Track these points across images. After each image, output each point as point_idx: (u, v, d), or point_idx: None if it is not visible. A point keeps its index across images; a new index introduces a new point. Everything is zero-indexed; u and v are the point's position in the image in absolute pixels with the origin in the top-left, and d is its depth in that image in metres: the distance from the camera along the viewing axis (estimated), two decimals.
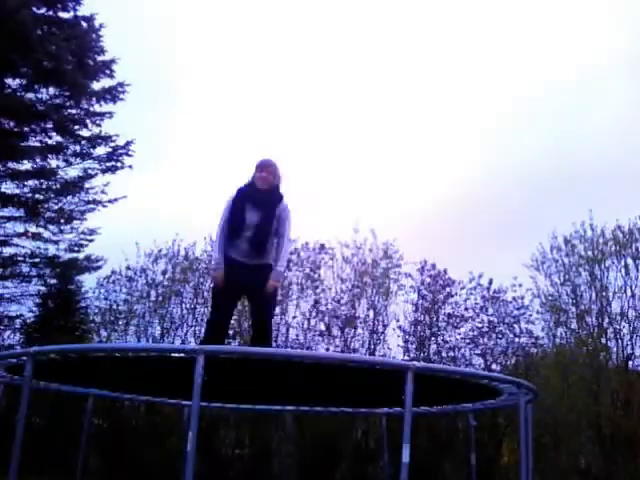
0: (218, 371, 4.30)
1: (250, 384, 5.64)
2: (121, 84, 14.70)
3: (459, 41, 22.44)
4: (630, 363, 13.39)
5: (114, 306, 15.68)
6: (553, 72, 21.25)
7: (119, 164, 15.05)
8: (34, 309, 14.27)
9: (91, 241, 15.30)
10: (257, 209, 5.29)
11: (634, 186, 17.23)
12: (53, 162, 14.89)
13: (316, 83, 22.99)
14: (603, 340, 13.50)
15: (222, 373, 4.57)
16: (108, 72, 14.63)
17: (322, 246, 15.26)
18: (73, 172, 15.07)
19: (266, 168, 5.43)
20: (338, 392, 5.87)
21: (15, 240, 14.88)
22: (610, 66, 20.84)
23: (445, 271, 14.15)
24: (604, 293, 13.57)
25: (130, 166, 15.08)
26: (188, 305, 15.63)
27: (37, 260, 14.94)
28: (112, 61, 14.63)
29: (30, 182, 14.87)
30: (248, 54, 23.83)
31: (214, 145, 24.47)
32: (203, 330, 6.12)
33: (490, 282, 14.23)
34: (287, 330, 15.02)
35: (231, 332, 15.31)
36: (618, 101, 20.85)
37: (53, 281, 14.63)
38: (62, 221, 15.05)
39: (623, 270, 13.59)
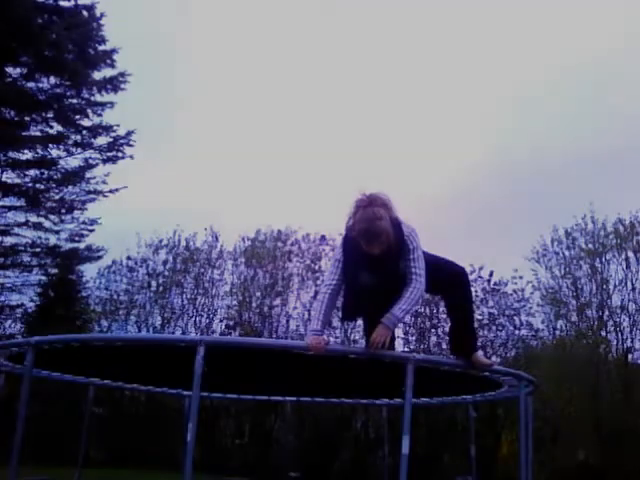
0: (219, 362, 4.31)
1: (251, 375, 5.66)
2: (122, 74, 14.65)
3: (462, 32, 22.36)
4: (630, 356, 13.43)
5: (115, 296, 15.73)
6: (559, 61, 21.16)
7: (120, 154, 15.04)
8: (35, 298, 14.31)
9: (92, 231, 15.32)
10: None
11: (635, 179, 17.21)
12: (54, 152, 14.89)
13: (319, 70, 22.94)
14: (603, 333, 13.53)
15: (223, 364, 4.58)
16: (109, 62, 14.58)
17: (323, 237, 15.27)
18: (74, 162, 15.08)
19: (376, 239, 3.74)
20: (338, 383, 5.89)
21: (16, 230, 14.90)
22: (618, 56, 20.78)
23: None
24: (604, 286, 13.58)
25: (131, 156, 15.08)
26: (189, 295, 15.67)
27: (38, 250, 14.96)
28: (113, 50, 14.58)
29: (31, 172, 14.88)
30: (250, 47, 23.75)
31: (216, 135, 24.44)
32: None
33: (491, 274, 14.24)
34: (287, 321, 15.06)
35: (232, 322, 15.37)
36: (618, 97, 20.79)
37: (54, 270, 14.65)
38: (63, 211, 15.06)
39: (624, 263, 13.61)
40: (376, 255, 3.76)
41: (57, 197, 15.10)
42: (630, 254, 13.61)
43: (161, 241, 15.97)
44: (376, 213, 3.73)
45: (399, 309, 3.79)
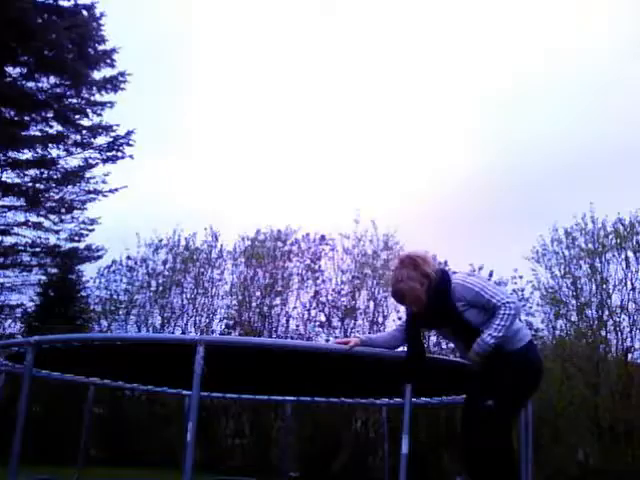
0: (219, 362, 4.32)
1: (251, 375, 5.66)
2: (122, 74, 14.66)
3: (460, 24, 22.37)
4: (629, 356, 13.42)
5: (114, 296, 15.72)
6: (559, 61, 21.18)
7: (120, 154, 15.04)
8: (35, 298, 14.31)
9: (91, 231, 15.33)
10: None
11: (635, 179, 17.22)
12: (54, 151, 14.90)
13: (318, 73, 22.94)
14: (603, 333, 13.52)
15: (223, 364, 4.58)
16: (109, 61, 14.59)
17: (322, 237, 15.25)
18: (74, 162, 15.08)
19: (402, 300, 3.97)
20: (338, 383, 5.90)
21: (16, 229, 14.90)
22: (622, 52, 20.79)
23: (445, 263, 14.15)
24: (604, 286, 13.57)
25: (131, 156, 15.08)
26: (189, 295, 15.66)
27: (38, 249, 14.96)
28: (113, 50, 14.59)
29: (31, 171, 14.88)
30: (250, 48, 23.75)
31: (217, 134, 24.45)
32: None
33: (490, 274, 14.22)
34: (287, 321, 15.06)
35: (232, 322, 15.37)
36: (619, 98, 20.79)
37: (54, 270, 14.65)
38: (63, 210, 15.06)
39: (624, 263, 13.60)
40: (423, 313, 3.94)
41: (57, 197, 15.10)
42: (630, 254, 13.60)
43: (161, 241, 15.96)
44: (398, 276, 3.88)
45: (488, 335, 3.77)
